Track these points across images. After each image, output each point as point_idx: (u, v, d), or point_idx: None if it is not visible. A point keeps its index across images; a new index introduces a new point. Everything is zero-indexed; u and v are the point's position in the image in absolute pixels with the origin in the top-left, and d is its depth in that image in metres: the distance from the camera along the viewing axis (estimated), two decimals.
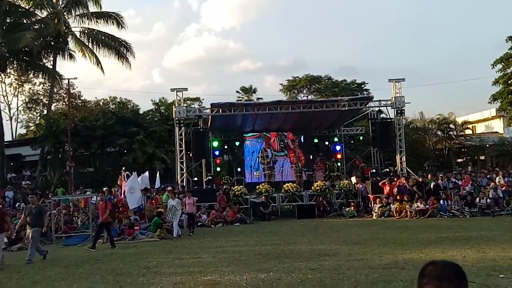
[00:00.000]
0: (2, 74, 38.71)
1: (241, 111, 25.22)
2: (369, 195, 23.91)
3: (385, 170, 27.20)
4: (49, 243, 18.28)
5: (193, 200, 19.20)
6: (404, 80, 26.35)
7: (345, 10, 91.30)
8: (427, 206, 21.02)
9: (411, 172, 25.85)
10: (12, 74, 42.38)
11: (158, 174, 26.36)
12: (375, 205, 22.73)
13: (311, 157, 29.07)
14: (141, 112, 39.84)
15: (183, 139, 25.65)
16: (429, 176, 24.64)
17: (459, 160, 41.80)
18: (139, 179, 21.22)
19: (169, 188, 24.59)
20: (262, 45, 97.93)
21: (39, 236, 13.64)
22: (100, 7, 36.22)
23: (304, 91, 50.24)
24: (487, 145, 39.34)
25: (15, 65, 37.08)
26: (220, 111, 25.09)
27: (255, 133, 29.16)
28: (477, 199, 21.56)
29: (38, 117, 46.11)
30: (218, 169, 28.75)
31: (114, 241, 16.10)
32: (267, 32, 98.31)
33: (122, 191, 22.04)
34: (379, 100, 26.60)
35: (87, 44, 36.57)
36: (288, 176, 28.00)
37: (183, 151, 25.61)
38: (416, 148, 35.62)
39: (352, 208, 22.90)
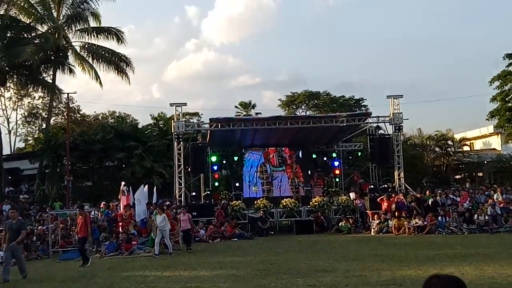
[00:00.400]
0: (1, 88, 38.88)
1: (239, 126, 25.26)
2: (367, 211, 23.87)
3: (383, 186, 27.17)
4: (46, 257, 18.24)
5: (188, 216, 18.64)
6: (402, 97, 26.50)
7: (344, 27, 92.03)
8: (425, 223, 20.98)
9: (409, 188, 25.85)
10: (12, 88, 42.49)
11: (155, 189, 26.32)
12: (373, 221, 22.69)
13: (309, 172, 29.07)
14: (140, 126, 39.94)
15: (182, 154, 25.65)
16: (427, 192, 24.63)
17: (457, 177, 41.84)
18: (137, 193, 21.24)
19: (167, 203, 24.56)
20: (261, 60, 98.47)
21: (20, 250, 13.30)
22: (100, 23, 36.48)
23: (303, 107, 50.52)
24: (485, 162, 39.40)
25: (15, 79, 37.23)
26: (219, 126, 25.12)
27: (253, 148, 29.18)
28: (476, 216, 21.55)
29: (37, 131, 46.15)
30: (216, 184, 28.71)
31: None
32: (266, 48, 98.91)
33: (122, 206, 22.00)
34: (377, 116, 26.68)
35: (86, 58, 36.77)
36: (286, 192, 27.95)
37: (182, 166, 25.60)
38: (414, 164, 35.63)
39: (344, 222, 22.80)
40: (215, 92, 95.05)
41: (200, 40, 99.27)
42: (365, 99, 49.08)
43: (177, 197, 25.17)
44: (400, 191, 25.04)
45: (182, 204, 24.26)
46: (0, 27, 32.65)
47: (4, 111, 46.27)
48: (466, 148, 42.12)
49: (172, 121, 26.72)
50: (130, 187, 23.39)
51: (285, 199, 24.67)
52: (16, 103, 46.51)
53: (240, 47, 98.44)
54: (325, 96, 49.79)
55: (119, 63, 36.82)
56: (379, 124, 29.27)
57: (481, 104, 72.76)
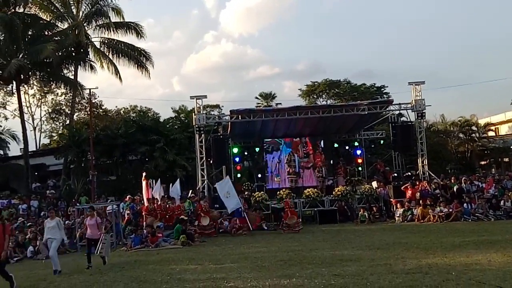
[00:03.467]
0: (25, 86, 39.45)
1: (260, 117, 25.27)
2: (391, 200, 23.72)
3: (407, 174, 26.96)
4: (74, 251, 18.59)
5: (96, 220, 14.35)
6: (424, 83, 26.17)
7: (362, 13, 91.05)
8: (451, 210, 20.76)
9: (433, 175, 25.57)
10: (35, 85, 43.18)
11: (178, 181, 26.45)
12: (397, 209, 22.54)
13: (331, 162, 28.93)
14: (161, 120, 40.27)
15: (203, 146, 25.80)
16: (452, 179, 24.34)
17: (482, 163, 41.27)
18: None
19: (192, 195, 24.70)
20: (280, 50, 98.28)
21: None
22: (122, 18, 36.72)
23: (323, 96, 50.19)
24: (511, 147, 38.72)
25: (37, 76, 37.81)
26: (240, 118, 25.17)
27: (276, 139, 29.12)
28: (502, 202, 21.25)
29: (61, 127, 46.87)
30: (239, 175, 28.79)
31: (138, 249, 16.25)
32: (285, 38, 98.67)
33: (145, 199, 22.26)
34: (399, 104, 26.41)
35: (106, 54, 37.13)
36: (309, 182, 27.90)
37: (204, 158, 25.75)
38: (437, 151, 35.19)
39: (362, 211, 22.69)
40: (235, 83, 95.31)
41: (218, 32, 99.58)
42: (387, 87, 48.54)
43: (200, 189, 25.35)
44: (424, 178, 24.81)
45: (205, 195, 24.40)
46: (21, 25, 33.07)
47: (29, 108, 47.08)
48: (491, 133, 41.44)
49: (193, 113, 26.85)
50: (153, 180, 23.67)
51: (308, 189, 24.63)
52: (40, 100, 47.33)
53: (258, 37, 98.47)
54: (345, 85, 49.37)
55: (138, 58, 37.06)
56: (401, 111, 29.06)
57: (506, 88, 71.33)
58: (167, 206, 21.42)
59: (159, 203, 21.64)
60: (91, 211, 14.92)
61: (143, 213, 21.08)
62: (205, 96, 26.76)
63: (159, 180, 24.23)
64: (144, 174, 23.55)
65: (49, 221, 13.70)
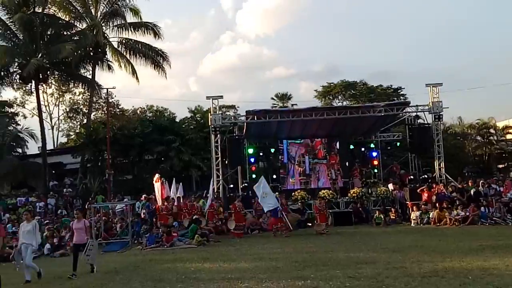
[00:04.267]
0: (44, 85, 39.91)
1: (276, 118, 25.27)
2: (407, 202, 23.53)
3: (423, 176, 26.71)
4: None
5: (84, 223, 13.17)
6: (442, 85, 25.94)
7: (379, 14, 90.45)
8: (468, 213, 20.52)
9: (450, 178, 25.33)
10: (54, 85, 43.62)
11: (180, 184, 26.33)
12: (413, 212, 22.35)
13: (347, 163, 28.80)
14: (177, 120, 40.46)
15: (219, 147, 25.87)
16: (469, 182, 24.06)
17: (500, 166, 40.73)
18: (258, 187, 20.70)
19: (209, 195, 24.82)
20: (296, 51, 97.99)
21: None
22: (140, 18, 36.98)
23: (339, 97, 49.95)
24: None
25: (56, 76, 38.21)
26: (255, 118, 25.19)
27: (293, 140, 29.08)
28: None
29: (78, 126, 47.30)
30: (254, 176, 28.80)
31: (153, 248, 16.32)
32: (301, 38, 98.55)
33: (160, 198, 22.43)
34: (416, 105, 26.22)
35: (124, 54, 37.38)
36: (324, 183, 27.82)
37: (219, 158, 25.82)
38: (455, 153, 34.88)
39: (378, 213, 22.55)
40: (251, 84, 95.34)
41: (235, 32, 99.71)
42: (404, 88, 48.13)
43: (215, 189, 25.42)
44: (441, 181, 24.57)
45: (220, 196, 24.47)
46: (40, 25, 33.51)
47: (47, 107, 47.56)
48: (509, 136, 40.86)
49: (209, 114, 26.94)
50: (262, 177, 23.62)
51: (322, 191, 24.56)
52: (58, 99, 47.77)
53: (274, 38, 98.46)
54: (362, 86, 49.05)
55: (155, 58, 37.28)
56: (418, 113, 28.79)
57: None
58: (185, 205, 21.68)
59: (176, 203, 21.84)
60: (78, 214, 13.64)
61: (158, 213, 21.30)
62: (221, 97, 26.83)
63: (174, 180, 24.41)
64: (156, 175, 23.72)
65: (25, 225, 12.30)
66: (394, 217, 22.67)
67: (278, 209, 19.69)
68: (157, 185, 24.09)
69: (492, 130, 39.09)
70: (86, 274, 12.29)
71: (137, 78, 37.61)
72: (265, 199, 19.84)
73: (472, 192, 22.43)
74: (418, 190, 23.15)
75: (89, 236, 13.64)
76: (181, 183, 26.45)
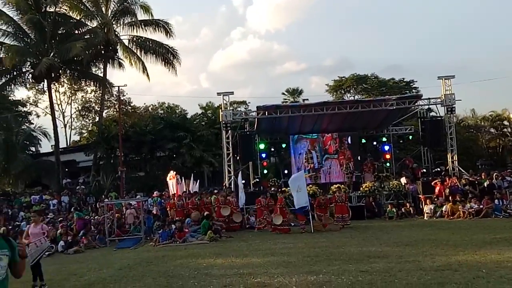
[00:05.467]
0: (56, 84, 40.19)
1: (287, 113, 25.21)
2: (419, 196, 23.38)
3: (436, 169, 26.52)
4: (103, 246, 18.94)
5: (41, 229, 11.92)
6: (454, 77, 25.74)
7: (391, 8, 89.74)
8: (481, 206, 20.34)
9: (463, 171, 25.13)
10: (66, 83, 43.92)
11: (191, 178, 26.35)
12: (426, 205, 22.21)
13: (359, 158, 28.65)
14: (188, 116, 40.55)
15: (230, 142, 25.90)
16: (483, 175, 23.84)
17: None
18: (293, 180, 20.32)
19: (216, 191, 24.79)
20: (307, 46, 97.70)
21: None
22: (151, 15, 36.99)
23: (351, 91, 49.65)
24: None
25: (67, 74, 38.45)
26: (266, 114, 25.17)
27: (303, 135, 28.96)
28: None
29: (91, 124, 47.63)
30: (265, 171, 28.81)
31: (165, 244, 16.30)
32: (312, 33, 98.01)
33: (176, 194, 22.54)
34: (429, 98, 26.01)
35: (134, 51, 37.47)
36: (336, 178, 27.71)
37: (230, 154, 25.85)
38: (468, 146, 34.60)
39: (390, 207, 22.42)
40: (262, 79, 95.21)
41: (245, 28, 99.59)
42: (416, 81, 47.67)
43: (226, 185, 25.46)
44: (454, 174, 24.38)
45: (232, 190, 24.31)
46: (51, 24, 33.71)
47: (59, 106, 47.94)
48: None
49: (220, 110, 26.95)
50: (302, 170, 23.53)
51: (334, 185, 24.46)
52: (70, 98, 48.16)
53: (285, 33, 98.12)
54: (373, 80, 48.66)
55: (166, 55, 37.30)
56: (430, 106, 28.56)
57: None
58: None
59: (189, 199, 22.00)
60: (35, 217, 12.48)
61: (170, 209, 21.43)
62: (232, 93, 26.83)
63: (192, 176, 24.54)
64: (172, 172, 23.80)
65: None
66: (408, 210, 22.54)
67: (307, 208, 19.05)
68: (171, 182, 24.21)
69: (506, 122, 38.67)
70: (98, 270, 12.38)
71: (147, 75, 37.76)
72: (298, 194, 19.25)
73: (485, 185, 22.23)
74: (432, 183, 22.97)
75: (49, 241, 12.51)
76: (198, 180, 26.61)
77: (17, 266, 4.69)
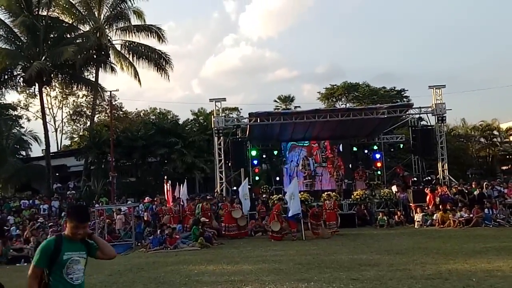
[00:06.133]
0: (47, 87, 40.00)
1: (279, 120, 25.29)
2: (410, 204, 23.49)
3: (426, 178, 26.68)
4: None
5: None
6: (445, 87, 25.99)
7: (382, 16, 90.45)
8: (471, 215, 20.46)
9: (453, 180, 25.30)
10: (57, 87, 43.74)
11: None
12: (416, 214, 22.30)
13: (350, 165, 28.76)
14: (180, 122, 40.52)
15: (222, 149, 25.91)
16: (473, 184, 24.01)
17: (504, 168, 40.64)
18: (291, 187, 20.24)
19: (208, 197, 24.71)
20: (299, 53, 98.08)
21: None
22: (144, 20, 37.00)
23: (342, 99, 49.96)
24: None
25: (59, 79, 38.26)
26: (258, 121, 25.22)
27: (295, 142, 29.05)
28: None
29: (82, 129, 47.44)
30: (257, 178, 28.81)
31: (156, 250, 16.22)
32: (304, 40, 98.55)
33: (169, 201, 22.44)
34: (419, 107, 26.24)
35: (126, 56, 37.39)
36: (327, 185, 27.77)
37: (222, 161, 25.85)
38: (458, 155, 34.83)
39: (381, 215, 22.49)
40: (254, 86, 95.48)
41: (238, 35, 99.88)
42: (407, 90, 48.16)
43: (218, 191, 25.42)
44: (444, 183, 24.53)
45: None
46: (44, 28, 33.57)
47: (51, 110, 47.70)
48: None
49: (212, 116, 26.97)
50: (295, 178, 23.43)
51: (326, 193, 24.49)
52: (61, 102, 47.93)
53: (277, 40, 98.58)
54: (364, 88, 49.05)
55: (158, 60, 37.26)
56: (421, 115, 28.77)
57: None
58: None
59: (185, 205, 21.91)
60: None
61: (162, 215, 21.34)
62: (224, 99, 26.88)
63: (185, 181, 24.43)
64: (166, 177, 23.75)
65: None
66: (399, 219, 22.62)
67: (299, 216, 18.95)
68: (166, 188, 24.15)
69: (495, 132, 39.01)
70: (89, 276, 12.29)
71: (139, 80, 37.68)
72: (292, 201, 19.20)
73: (475, 194, 22.38)
74: (425, 189, 23.02)
75: None
76: (182, 185, 26.40)
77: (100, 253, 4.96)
